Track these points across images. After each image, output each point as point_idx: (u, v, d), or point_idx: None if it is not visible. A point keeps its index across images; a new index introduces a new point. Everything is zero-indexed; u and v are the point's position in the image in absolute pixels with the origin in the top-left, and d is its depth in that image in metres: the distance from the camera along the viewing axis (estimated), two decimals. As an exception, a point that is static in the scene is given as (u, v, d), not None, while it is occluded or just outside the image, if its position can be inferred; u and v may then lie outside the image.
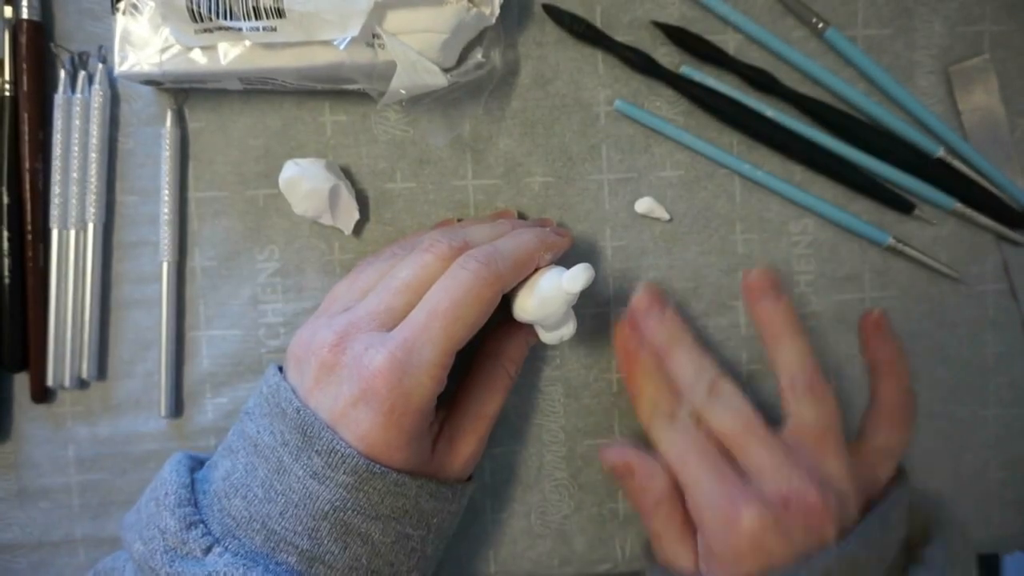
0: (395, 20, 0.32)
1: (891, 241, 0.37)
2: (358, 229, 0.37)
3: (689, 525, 0.33)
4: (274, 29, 0.31)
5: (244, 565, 0.27)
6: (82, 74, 0.35)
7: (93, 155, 0.35)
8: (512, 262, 0.30)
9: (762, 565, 0.30)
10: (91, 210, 0.35)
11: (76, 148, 0.35)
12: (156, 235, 0.36)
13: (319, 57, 0.32)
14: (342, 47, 0.31)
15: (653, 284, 0.36)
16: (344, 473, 0.28)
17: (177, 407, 0.37)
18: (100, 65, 0.35)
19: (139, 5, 0.32)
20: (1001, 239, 0.38)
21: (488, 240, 0.31)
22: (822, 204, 0.37)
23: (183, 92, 0.36)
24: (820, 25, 0.36)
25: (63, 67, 0.35)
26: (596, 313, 0.38)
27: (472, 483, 0.33)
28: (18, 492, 0.37)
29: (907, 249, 0.37)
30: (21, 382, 0.37)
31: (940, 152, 0.37)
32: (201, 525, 0.28)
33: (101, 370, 0.37)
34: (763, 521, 0.30)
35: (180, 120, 0.36)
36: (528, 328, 0.34)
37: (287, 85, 0.34)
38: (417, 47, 0.32)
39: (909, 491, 0.35)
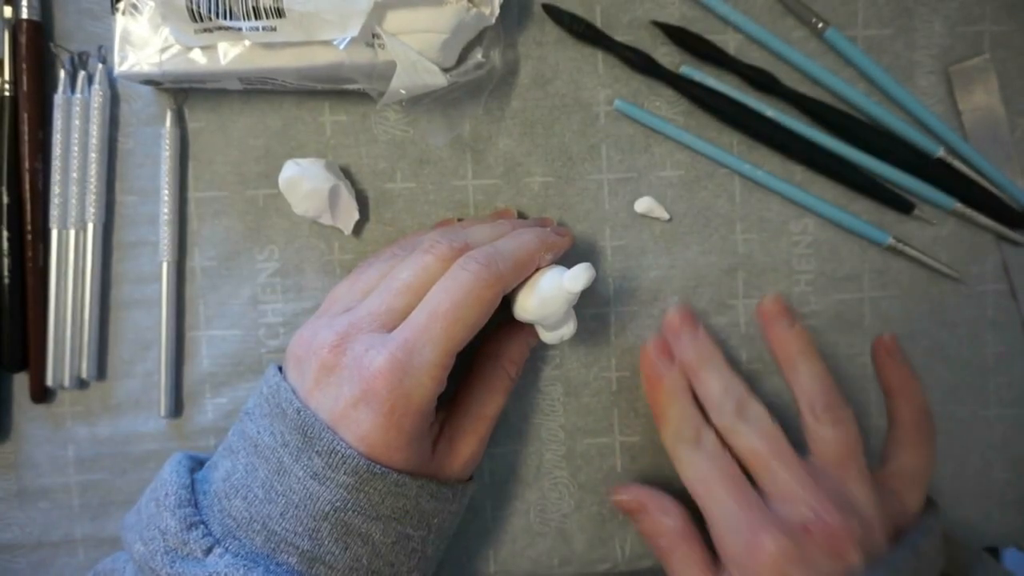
0: (395, 20, 0.32)
1: (891, 241, 0.37)
2: (358, 229, 0.37)
3: (708, 563, 0.33)
4: (274, 29, 0.31)
5: (245, 566, 0.27)
6: (82, 74, 0.35)
7: (93, 155, 0.35)
8: (513, 263, 0.30)
9: None
10: (91, 210, 0.35)
11: (76, 148, 0.35)
12: (156, 235, 0.36)
13: (319, 57, 0.32)
14: (342, 47, 0.31)
15: (686, 305, 0.37)
16: (345, 474, 0.28)
17: (177, 407, 0.37)
18: (100, 65, 0.35)
19: (139, 5, 0.32)
20: (1001, 239, 0.38)
21: (489, 241, 0.31)
22: (822, 204, 0.37)
23: (183, 92, 0.36)
24: (820, 25, 0.36)
25: (63, 67, 0.35)
26: (596, 313, 0.38)
27: (473, 483, 0.33)
28: (18, 492, 0.37)
29: (907, 249, 0.37)
30: (21, 382, 0.37)
31: (940, 152, 0.37)
32: (202, 526, 0.28)
33: (101, 370, 0.37)
34: (785, 549, 0.30)
35: (180, 120, 0.36)
36: (529, 329, 0.34)
37: (287, 85, 0.34)
38: (417, 47, 0.32)
39: (941, 522, 0.34)
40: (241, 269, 0.37)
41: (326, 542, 0.28)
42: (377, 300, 0.30)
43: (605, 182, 0.37)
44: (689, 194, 0.38)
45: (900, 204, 0.37)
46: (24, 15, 0.34)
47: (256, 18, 0.31)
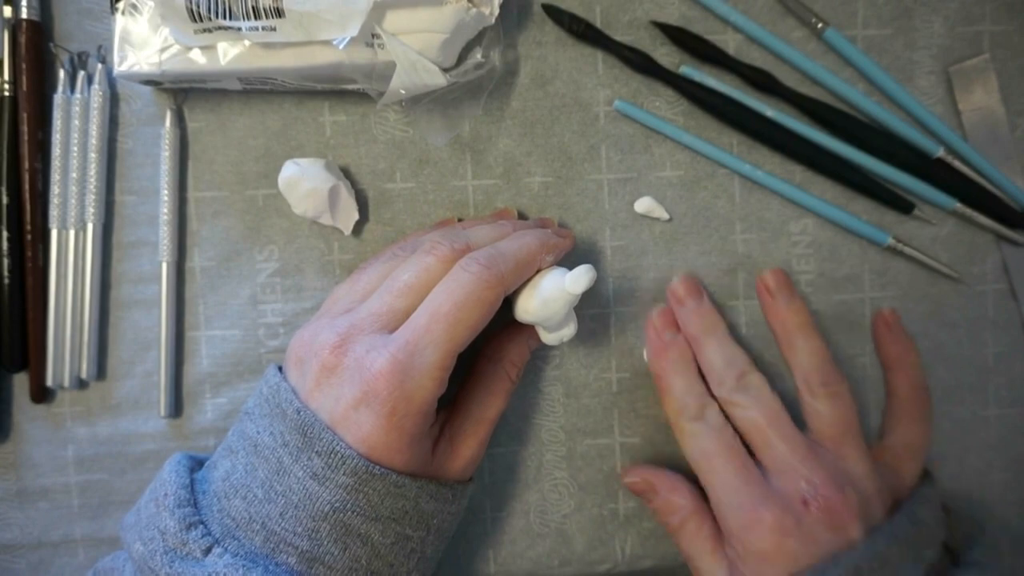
0: (395, 20, 0.32)
1: (891, 241, 0.37)
2: (358, 229, 0.37)
3: (718, 538, 0.33)
4: (273, 29, 0.31)
5: (244, 566, 0.27)
6: (81, 74, 0.35)
7: (92, 155, 0.35)
8: (514, 264, 0.30)
9: (787, 566, 0.30)
10: (90, 210, 0.35)
11: (75, 148, 0.35)
12: (155, 235, 0.36)
13: (319, 57, 0.32)
14: (341, 47, 0.31)
15: (690, 274, 0.37)
16: (344, 474, 0.28)
17: (176, 407, 0.37)
18: (99, 65, 0.35)
19: (138, 5, 0.32)
20: (1001, 239, 0.38)
21: (490, 242, 0.31)
22: (822, 204, 0.37)
23: (182, 92, 0.36)
24: (820, 25, 0.36)
25: (62, 67, 0.35)
26: (596, 313, 0.38)
27: (472, 484, 0.33)
28: (17, 492, 0.37)
29: (907, 249, 0.37)
30: (21, 382, 0.37)
31: (940, 152, 0.37)
32: (201, 526, 0.28)
33: (101, 370, 0.37)
34: (783, 523, 0.30)
35: (179, 120, 0.36)
36: (530, 331, 0.34)
37: (287, 85, 0.34)
38: (417, 47, 0.32)
39: (937, 490, 0.35)
40: (241, 269, 0.37)
41: (325, 542, 0.28)
42: (378, 301, 0.30)
43: (605, 182, 0.37)
44: (689, 194, 0.38)
45: (900, 204, 0.37)
46: (24, 15, 0.34)
47: (256, 18, 0.31)
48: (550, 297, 0.30)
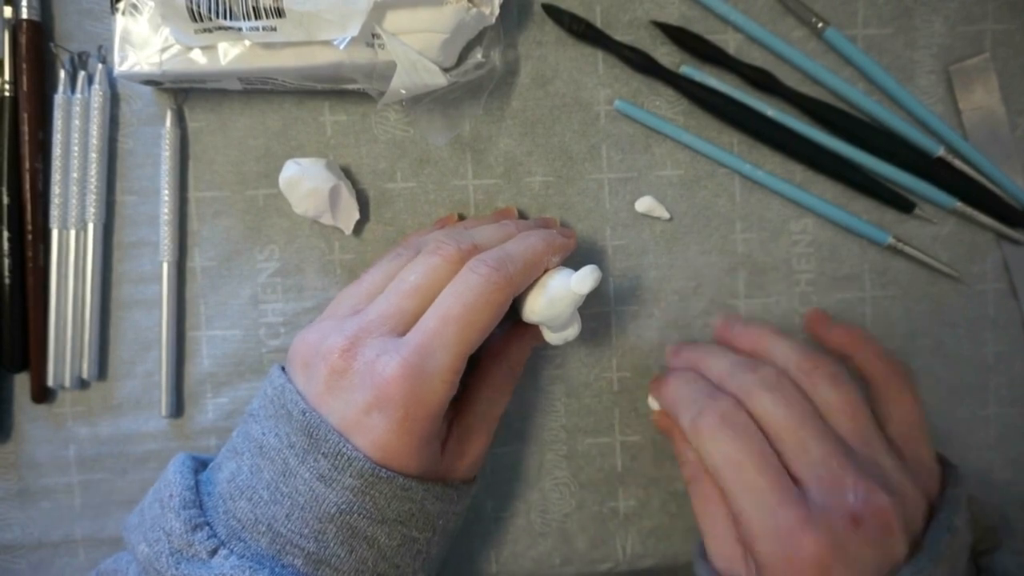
0: (395, 20, 0.32)
1: (891, 240, 0.37)
2: (358, 229, 0.37)
3: (730, 520, 0.31)
4: (274, 29, 0.31)
5: (250, 568, 0.27)
6: (82, 74, 0.35)
7: (93, 155, 0.35)
8: (522, 265, 0.30)
9: None
10: (91, 210, 0.35)
11: (76, 148, 0.35)
12: (156, 235, 0.36)
13: (319, 57, 0.32)
14: (342, 47, 0.31)
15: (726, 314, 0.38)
16: (351, 476, 0.27)
17: (178, 407, 0.37)
18: (100, 65, 0.35)
19: (139, 5, 0.32)
20: (1001, 238, 0.38)
21: (496, 242, 0.31)
22: (822, 204, 0.37)
23: (183, 92, 0.36)
24: (820, 25, 0.36)
25: (63, 67, 0.35)
26: (597, 313, 0.38)
27: (476, 483, 0.33)
28: (19, 492, 0.37)
29: (907, 248, 0.37)
30: (21, 382, 0.37)
31: (940, 151, 0.37)
32: (207, 527, 0.28)
33: (101, 370, 0.37)
34: (829, 549, 0.27)
35: (180, 120, 0.36)
36: (533, 329, 0.34)
37: (287, 85, 0.34)
38: (417, 47, 0.32)
39: (964, 485, 0.32)
40: (241, 269, 0.37)
41: (332, 544, 0.28)
42: (386, 302, 0.29)
43: (605, 182, 0.37)
44: (689, 194, 0.38)
45: (900, 203, 0.37)
46: (24, 15, 0.34)
47: (256, 18, 0.31)
48: (556, 297, 0.30)
